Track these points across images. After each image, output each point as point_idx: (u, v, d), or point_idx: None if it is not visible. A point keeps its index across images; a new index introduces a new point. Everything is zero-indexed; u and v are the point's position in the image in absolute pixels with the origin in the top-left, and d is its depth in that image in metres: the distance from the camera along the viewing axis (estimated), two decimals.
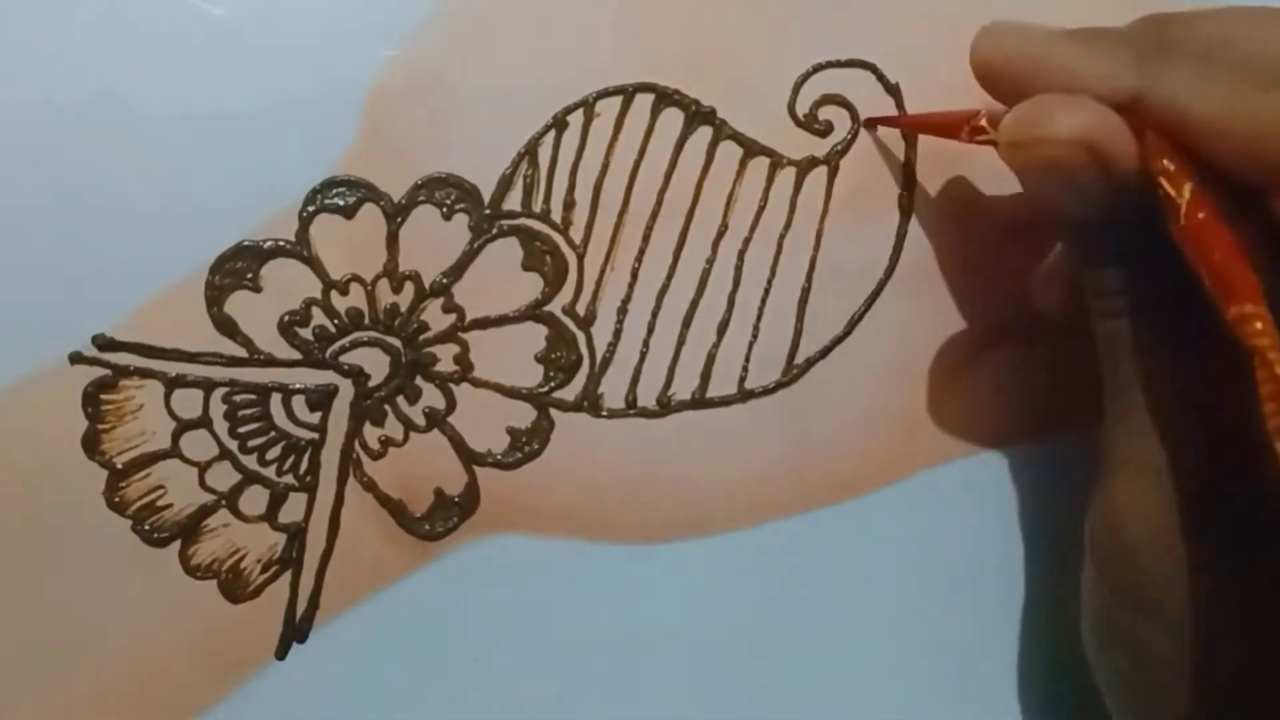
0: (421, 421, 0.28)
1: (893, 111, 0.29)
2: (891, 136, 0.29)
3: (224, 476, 0.28)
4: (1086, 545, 0.25)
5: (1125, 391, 0.24)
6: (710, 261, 0.29)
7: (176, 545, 0.27)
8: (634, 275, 0.28)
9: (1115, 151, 0.22)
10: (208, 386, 0.27)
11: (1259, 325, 0.19)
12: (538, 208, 0.28)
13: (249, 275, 0.27)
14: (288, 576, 0.28)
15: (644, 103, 0.28)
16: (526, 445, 0.28)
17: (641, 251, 0.28)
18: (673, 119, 0.28)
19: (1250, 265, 0.20)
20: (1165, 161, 0.21)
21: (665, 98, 0.28)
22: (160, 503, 0.27)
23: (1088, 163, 0.22)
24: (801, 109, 0.29)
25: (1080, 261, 0.25)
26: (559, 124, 0.28)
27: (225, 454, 0.28)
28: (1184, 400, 0.23)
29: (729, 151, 0.29)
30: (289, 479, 0.28)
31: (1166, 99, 0.22)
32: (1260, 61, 0.21)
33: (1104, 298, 0.24)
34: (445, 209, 0.28)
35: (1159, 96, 0.22)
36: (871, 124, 0.29)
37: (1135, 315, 0.24)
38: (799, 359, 0.29)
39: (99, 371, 0.27)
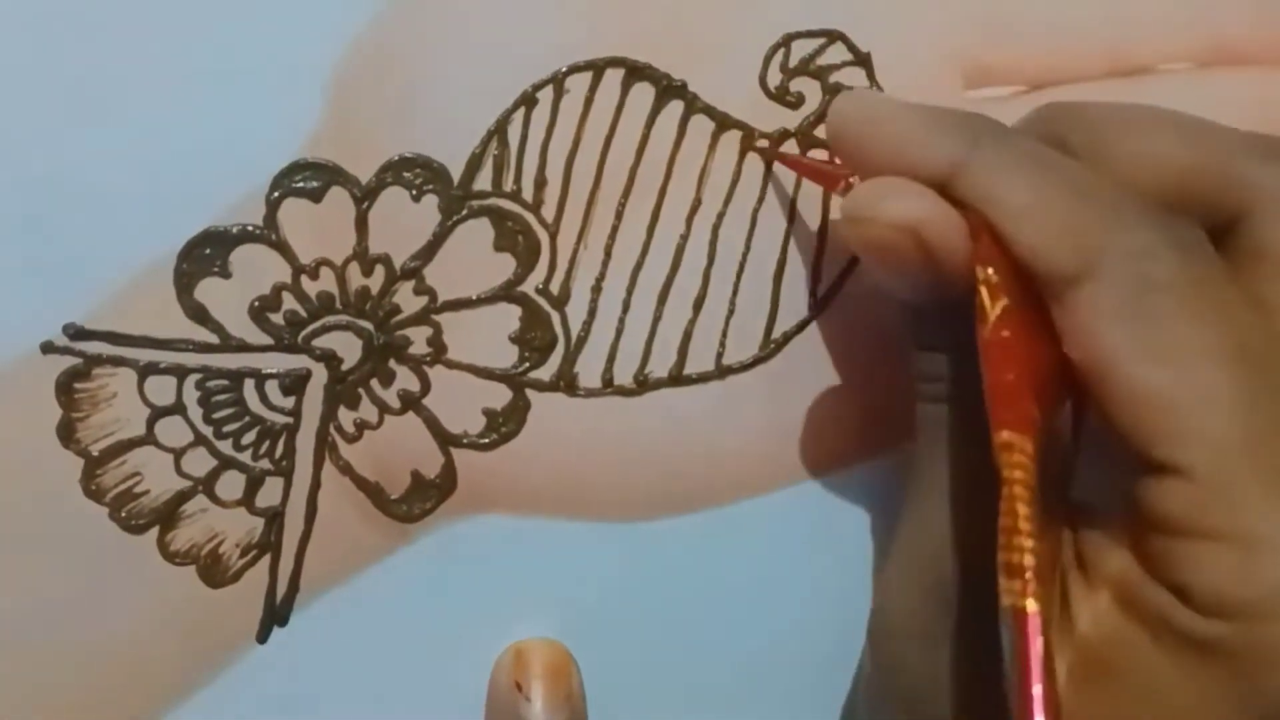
0: (396, 404, 0.28)
1: (864, 83, 0.29)
2: None
3: (200, 462, 0.28)
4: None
5: (925, 476, 0.24)
6: (684, 237, 0.28)
7: (155, 532, 0.27)
8: (607, 253, 0.28)
9: (942, 243, 0.22)
10: (180, 373, 0.27)
11: (1018, 458, 0.19)
12: (508, 187, 0.28)
13: (217, 261, 0.27)
14: (267, 560, 0.28)
15: (614, 78, 0.28)
16: (503, 426, 0.28)
17: (615, 229, 0.28)
18: (644, 94, 0.28)
19: (1036, 398, 0.20)
20: (990, 270, 0.21)
21: (636, 72, 0.28)
22: (137, 489, 0.27)
23: (912, 250, 0.22)
24: (772, 81, 0.28)
25: (908, 341, 0.25)
26: (528, 101, 0.28)
27: (200, 440, 0.27)
28: (968, 499, 0.23)
29: (701, 125, 0.28)
30: (265, 463, 0.28)
31: (977, 182, 0.22)
32: (1074, 170, 0.22)
33: (924, 381, 0.24)
34: (414, 190, 0.27)
35: (974, 174, 0.22)
36: (768, 157, 0.29)
37: (949, 404, 0.23)
38: (776, 334, 0.29)
39: (71, 360, 0.27)
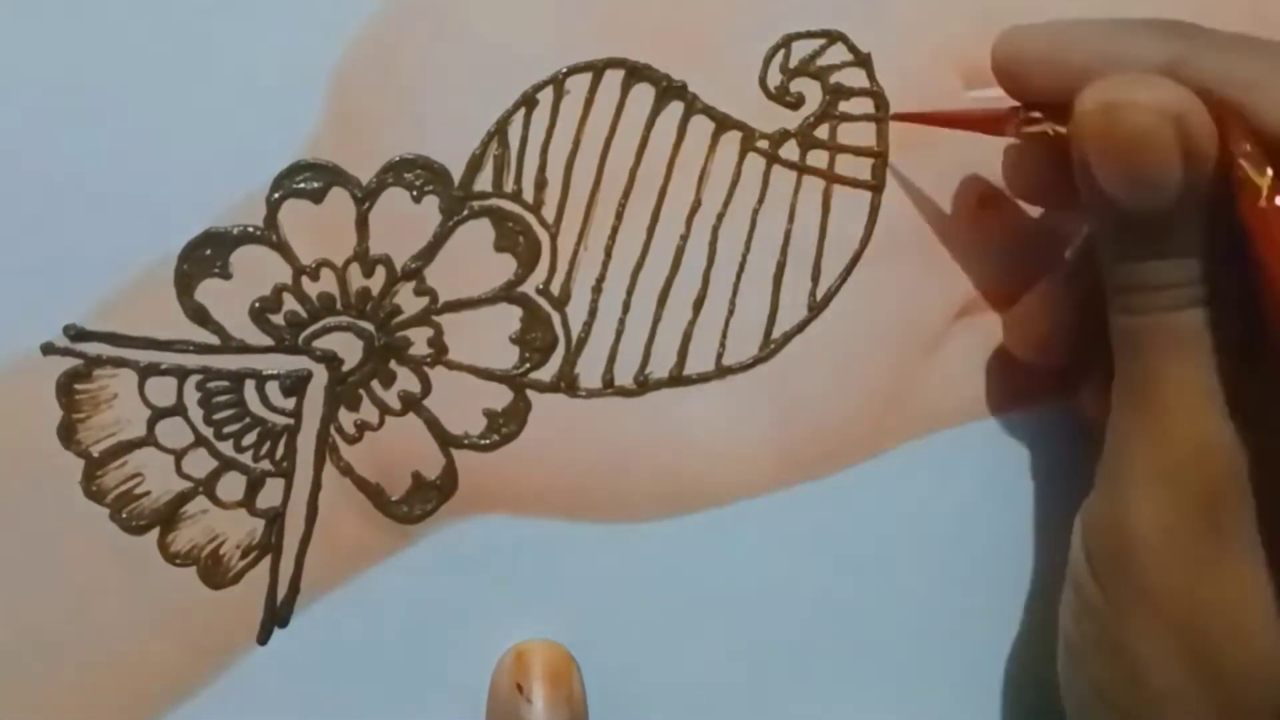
0: (397, 405, 0.28)
1: (865, 84, 0.29)
2: (863, 105, 0.29)
3: (201, 463, 0.28)
4: (1077, 551, 0.25)
5: (1150, 393, 0.23)
6: (684, 238, 0.28)
7: (155, 533, 0.27)
8: (608, 254, 0.28)
9: (1200, 133, 0.21)
10: (181, 374, 0.27)
11: None
12: (509, 188, 0.28)
13: (218, 263, 0.27)
14: (267, 562, 0.28)
15: (614, 78, 0.28)
16: (503, 427, 0.28)
17: (615, 229, 0.28)
18: (644, 94, 0.28)
19: None
20: (1247, 144, 0.21)
21: (636, 73, 0.28)
22: (138, 491, 0.27)
23: (1173, 140, 0.21)
24: (773, 82, 0.28)
25: (1127, 254, 0.24)
26: (528, 101, 0.28)
27: (201, 441, 0.27)
28: (1226, 404, 0.23)
29: (701, 126, 0.28)
30: (265, 465, 0.28)
31: (1203, 67, 0.22)
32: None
33: (1151, 292, 0.23)
34: (415, 191, 0.27)
35: (1194, 66, 0.22)
36: (898, 119, 0.29)
37: (1191, 310, 0.23)
38: (776, 334, 0.29)
39: (71, 361, 0.27)
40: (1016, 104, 0.26)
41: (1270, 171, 0.21)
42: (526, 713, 0.27)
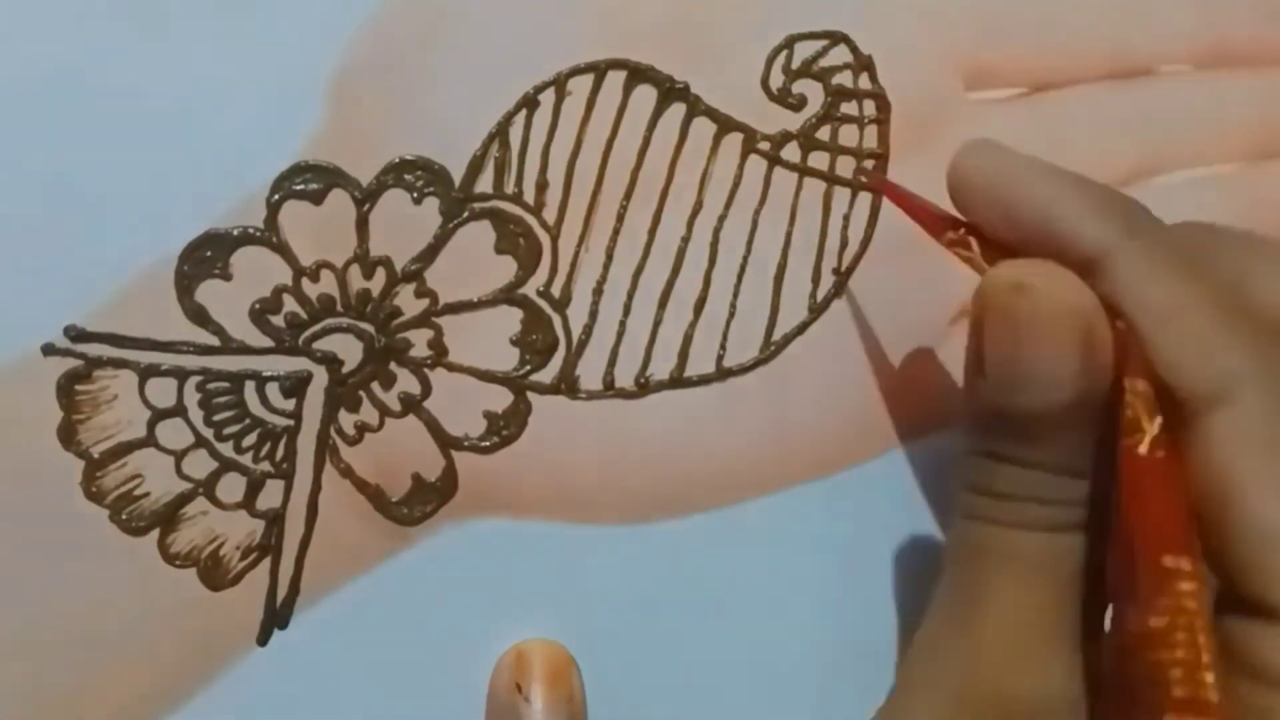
0: (397, 407, 0.28)
1: (867, 85, 0.29)
2: (867, 106, 0.29)
3: (201, 464, 0.27)
4: None
5: (971, 618, 0.21)
6: (685, 240, 0.28)
7: (155, 534, 0.27)
8: (609, 255, 0.28)
9: (1101, 345, 0.20)
10: (181, 375, 0.27)
11: (1188, 586, 0.18)
12: (510, 189, 0.28)
13: (218, 264, 0.27)
14: (267, 563, 0.28)
15: (616, 80, 0.28)
16: (504, 429, 0.28)
17: (616, 231, 0.28)
18: (646, 96, 0.28)
19: (1191, 523, 0.18)
20: (1140, 382, 0.19)
21: (638, 74, 0.28)
22: (137, 492, 0.27)
23: (1075, 342, 0.20)
24: (775, 83, 0.28)
25: (991, 451, 0.21)
26: (530, 103, 0.28)
27: (201, 442, 0.27)
28: (1048, 652, 0.20)
29: (702, 128, 0.28)
30: (265, 466, 0.28)
31: (1122, 278, 0.20)
32: (1222, 282, 0.20)
33: (1004, 501, 0.21)
34: (415, 192, 0.27)
35: (1116, 272, 0.20)
36: (872, 185, 0.28)
37: (1045, 535, 0.21)
38: (776, 336, 0.29)
39: (72, 362, 0.27)
40: (960, 220, 0.25)
41: (1159, 420, 0.19)
42: (526, 712, 0.27)
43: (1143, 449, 0.19)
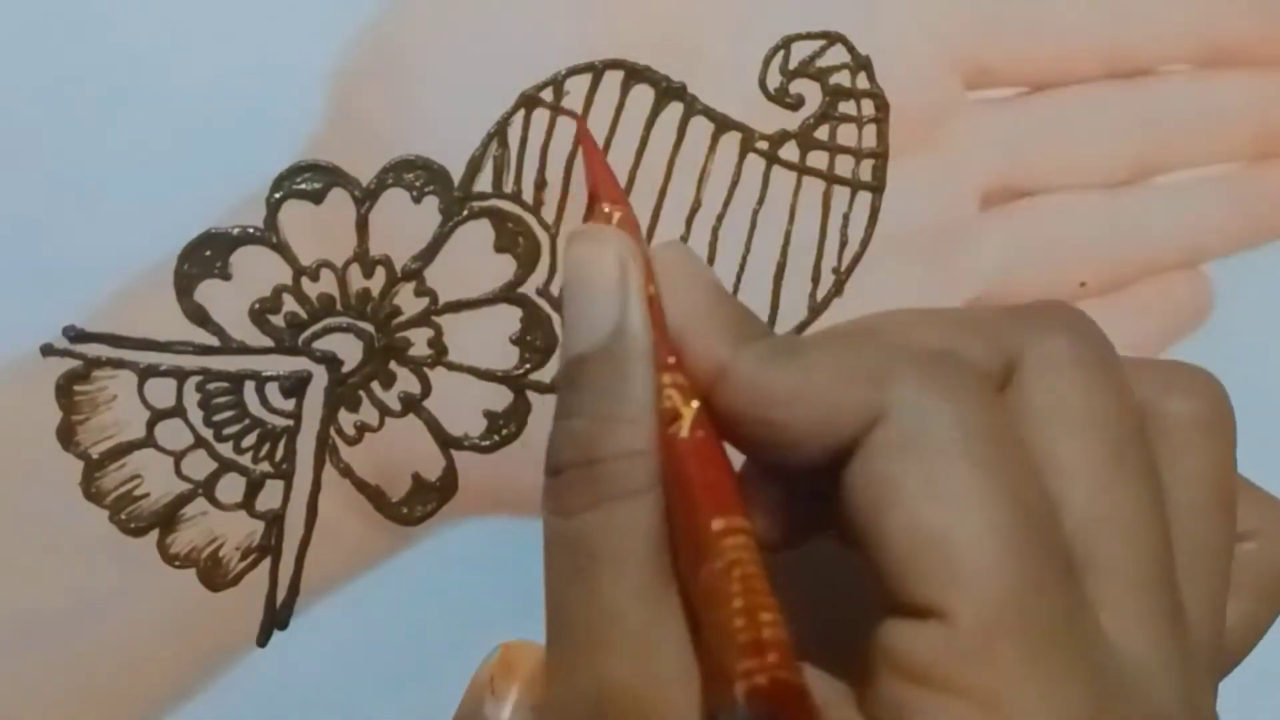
0: (397, 406, 0.28)
1: (865, 86, 0.29)
2: (865, 105, 0.29)
3: (200, 465, 0.27)
4: None
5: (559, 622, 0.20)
6: (684, 238, 0.28)
7: (155, 535, 0.27)
8: None
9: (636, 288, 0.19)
10: (180, 375, 0.27)
11: (737, 540, 0.17)
12: (509, 189, 0.28)
13: (218, 263, 0.27)
14: (267, 563, 0.28)
15: (614, 80, 0.28)
16: (504, 428, 0.28)
17: None
18: (643, 95, 0.28)
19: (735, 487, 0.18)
20: (673, 375, 0.19)
21: (635, 74, 0.28)
22: (137, 492, 0.27)
23: (614, 275, 0.19)
24: (772, 83, 0.28)
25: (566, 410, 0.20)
26: (528, 102, 0.28)
27: (200, 442, 0.27)
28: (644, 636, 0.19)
29: (700, 127, 0.28)
30: (265, 466, 0.28)
31: (747, 369, 0.19)
32: (841, 334, 0.20)
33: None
34: (415, 192, 0.27)
35: (741, 366, 0.19)
36: (579, 134, 0.28)
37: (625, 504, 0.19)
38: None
39: (71, 363, 0.27)
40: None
41: (696, 403, 0.18)
42: (490, 709, 0.27)
43: (683, 433, 0.19)
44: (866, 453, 0.18)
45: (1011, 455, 0.18)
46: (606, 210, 0.22)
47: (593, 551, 0.19)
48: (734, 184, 0.28)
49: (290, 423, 0.28)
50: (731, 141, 0.28)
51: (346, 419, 0.28)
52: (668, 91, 0.28)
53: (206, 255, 0.27)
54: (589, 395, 0.19)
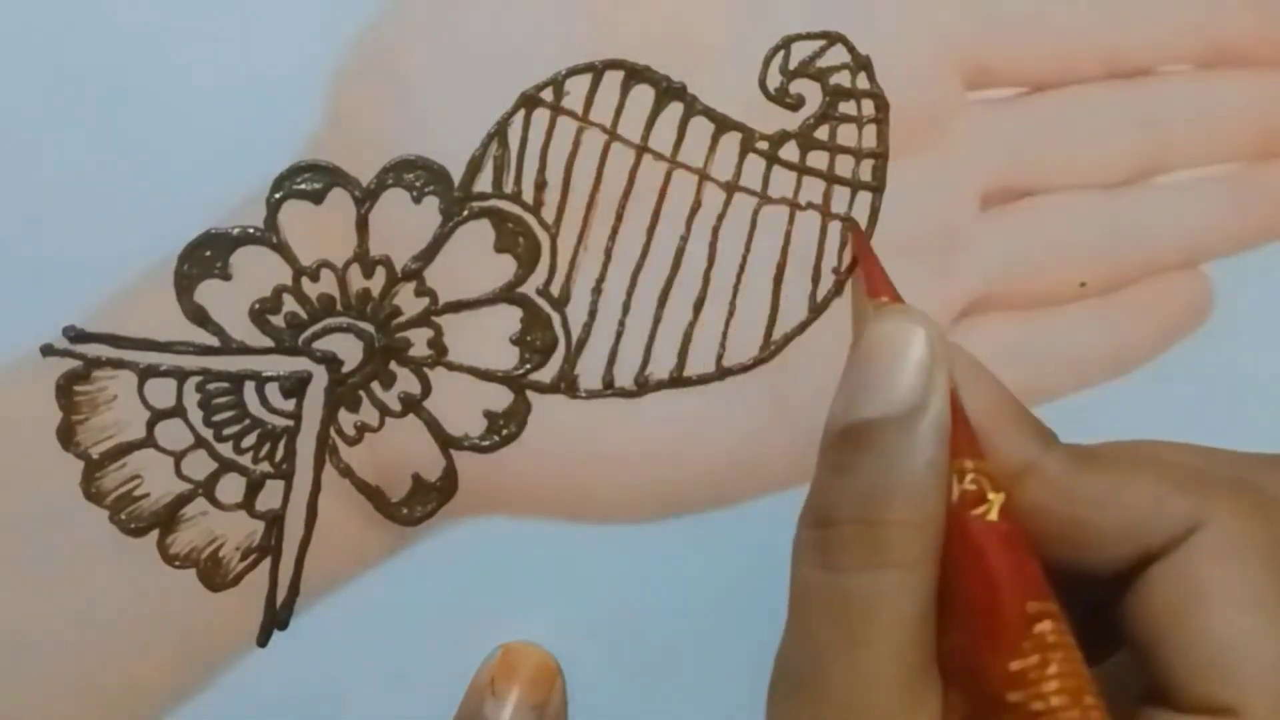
0: (397, 406, 0.28)
1: (865, 86, 0.29)
2: (865, 105, 0.29)
3: (200, 465, 0.27)
4: None
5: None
6: (684, 239, 0.28)
7: (154, 535, 0.27)
8: (608, 255, 0.28)
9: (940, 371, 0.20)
10: (180, 376, 0.27)
11: (1049, 626, 0.19)
12: (509, 189, 0.28)
13: (218, 263, 0.27)
14: (267, 564, 0.28)
15: (614, 80, 0.28)
16: (504, 428, 0.28)
17: (615, 230, 0.28)
18: (643, 95, 0.28)
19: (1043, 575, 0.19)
20: (979, 461, 0.20)
21: (635, 74, 0.28)
22: (137, 493, 0.27)
23: (924, 354, 0.20)
24: (772, 83, 0.28)
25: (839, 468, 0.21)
26: (529, 102, 0.28)
27: (201, 442, 0.27)
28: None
29: (700, 127, 0.28)
30: (265, 466, 0.28)
31: (1058, 470, 0.20)
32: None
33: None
34: (415, 192, 0.27)
35: (1051, 466, 0.21)
36: (856, 248, 0.28)
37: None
38: (776, 335, 0.29)
39: (71, 363, 0.27)
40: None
41: (1002, 495, 0.20)
42: (490, 710, 0.27)
43: (992, 516, 0.20)
44: (1181, 557, 0.19)
45: None
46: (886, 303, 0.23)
47: (867, 613, 0.19)
48: (734, 184, 0.28)
49: (290, 423, 0.28)
50: (731, 141, 0.28)
51: (346, 419, 0.28)
52: (668, 91, 0.28)
53: (206, 255, 0.27)
54: (879, 459, 0.20)
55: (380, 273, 0.27)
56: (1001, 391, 0.22)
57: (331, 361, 0.28)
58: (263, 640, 0.28)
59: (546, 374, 0.28)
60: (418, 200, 0.27)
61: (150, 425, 0.27)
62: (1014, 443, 0.21)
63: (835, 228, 0.29)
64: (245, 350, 0.27)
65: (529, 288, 0.28)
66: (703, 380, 0.29)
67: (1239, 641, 0.19)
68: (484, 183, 0.28)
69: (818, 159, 0.29)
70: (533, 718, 0.27)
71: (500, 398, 0.28)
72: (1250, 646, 0.19)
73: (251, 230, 0.27)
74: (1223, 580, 0.19)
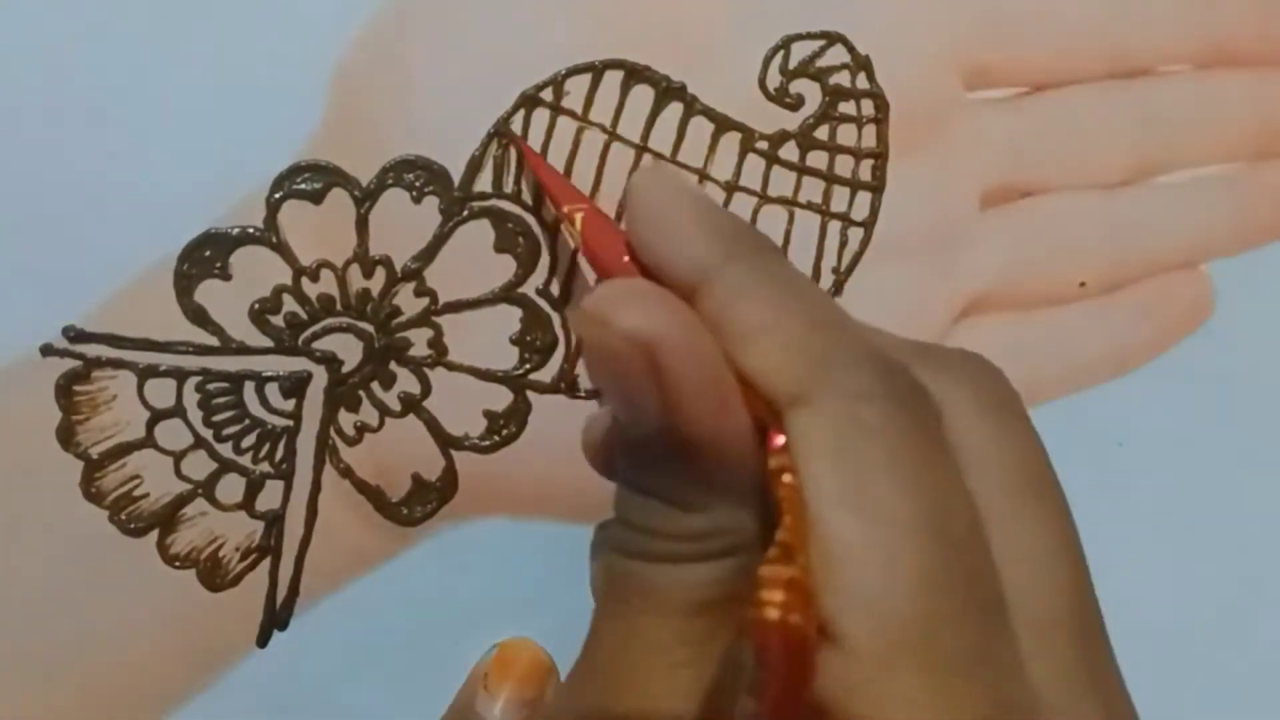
0: (397, 406, 0.28)
1: (865, 86, 0.29)
2: (865, 105, 0.29)
3: (200, 465, 0.27)
4: None
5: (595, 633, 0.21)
6: None
7: (154, 535, 0.27)
8: None
9: (680, 363, 0.18)
10: (180, 376, 0.27)
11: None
12: (509, 188, 0.28)
13: (218, 263, 0.27)
14: (267, 564, 0.28)
15: (614, 79, 0.28)
16: (504, 428, 0.28)
17: None
18: (643, 95, 0.28)
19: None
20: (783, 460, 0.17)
21: (635, 74, 0.28)
22: (137, 493, 0.27)
23: (642, 368, 0.18)
24: (772, 83, 0.28)
25: (628, 484, 0.20)
26: (529, 102, 0.28)
27: (200, 443, 0.27)
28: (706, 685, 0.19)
29: (700, 127, 0.28)
30: (265, 466, 0.28)
31: (723, 294, 0.19)
32: (820, 299, 0.19)
33: (633, 530, 0.20)
34: (415, 192, 0.27)
35: (719, 289, 0.19)
36: (514, 143, 0.28)
37: (652, 566, 0.19)
38: None
39: (70, 363, 0.27)
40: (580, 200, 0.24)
41: (783, 492, 0.17)
42: (482, 705, 0.27)
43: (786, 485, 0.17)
44: (789, 434, 0.17)
45: (942, 477, 0.17)
46: (566, 211, 0.23)
47: (649, 594, 0.19)
48: (734, 184, 0.28)
49: (290, 423, 0.28)
50: (731, 141, 0.28)
51: (346, 419, 0.28)
52: (668, 91, 0.28)
53: (206, 255, 0.27)
54: (654, 478, 0.19)
55: (380, 273, 0.27)
56: (691, 199, 0.20)
57: (331, 361, 0.28)
58: (263, 640, 0.28)
59: (546, 374, 0.28)
60: (418, 200, 0.27)
61: (150, 425, 0.27)
62: (692, 248, 0.19)
63: (835, 228, 0.29)
64: (245, 350, 0.27)
65: (529, 287, 0.28)
66: None
67: (844, 553, 0.16)
68: (484, 182, 0.28)
69: (817, 159, 0.29)
70: (524, 714, 0.26)
71: (500, 398, 0.28)
72: (858, 560, 0.16)
73: (251, 230, 0.27)
74: (827, 476, 0.17)
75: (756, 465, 0.18)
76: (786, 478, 0.17)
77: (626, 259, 0.20)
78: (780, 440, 0.17)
